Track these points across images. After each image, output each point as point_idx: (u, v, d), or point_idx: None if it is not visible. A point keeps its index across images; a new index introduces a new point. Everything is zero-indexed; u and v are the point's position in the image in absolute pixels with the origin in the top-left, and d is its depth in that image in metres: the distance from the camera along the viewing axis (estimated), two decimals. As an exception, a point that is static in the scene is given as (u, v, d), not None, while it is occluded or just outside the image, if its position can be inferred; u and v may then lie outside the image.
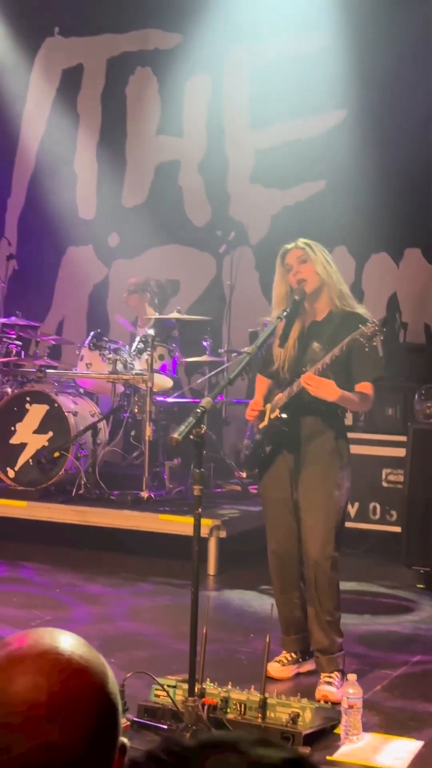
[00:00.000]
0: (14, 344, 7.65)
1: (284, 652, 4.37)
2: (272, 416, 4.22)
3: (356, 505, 6.75)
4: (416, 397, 6.54)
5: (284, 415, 4.17)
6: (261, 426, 4.30)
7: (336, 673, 4.14)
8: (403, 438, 6.20)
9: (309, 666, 4.39)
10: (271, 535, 4.34)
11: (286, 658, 4.36)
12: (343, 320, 4.14)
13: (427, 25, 8.04)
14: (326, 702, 3.92)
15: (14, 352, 7.62)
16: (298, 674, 4.36)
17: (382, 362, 4.25)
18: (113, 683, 1.21)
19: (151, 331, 7.08)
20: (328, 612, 4.15)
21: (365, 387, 4.11)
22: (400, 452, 6.25)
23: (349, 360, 4.09)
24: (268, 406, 4.27)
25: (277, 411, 4.19)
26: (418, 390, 6.57)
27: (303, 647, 4.37)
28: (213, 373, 7.62)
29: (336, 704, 3.82)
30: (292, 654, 4.37)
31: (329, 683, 4.10)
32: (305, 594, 4.26)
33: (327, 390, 4.00)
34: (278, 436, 4.23)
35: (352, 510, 6.72)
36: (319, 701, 3.90)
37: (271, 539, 4.34)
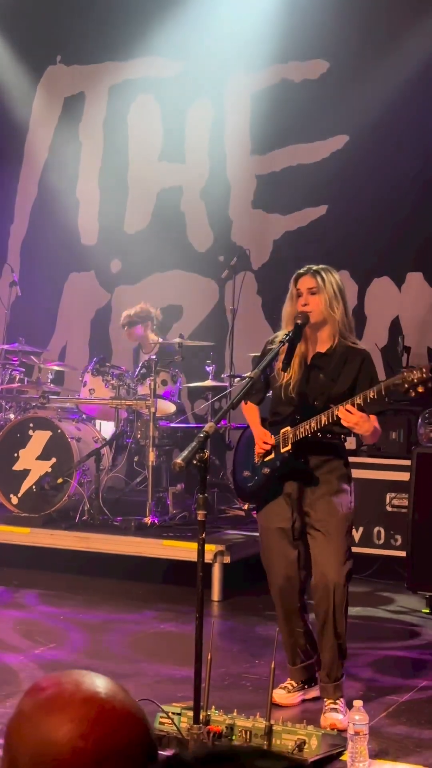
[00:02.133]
0: (18, 370, 7.65)
1: (289, 678, 4.34)
2: (283, 450, 4.18)
3: (361, 529, 6.72)
4: (420, 420, 6.53)
5: (296, 449, 4.14)
6: (267, 459, 4.26)
7: (341, 699, 4.11)
8: (407, 462, 6.18)
9: (315, 693, 4.36)
10: (272, 566, 4.27)
11: (292, 685, 4.33)
12: (347, 356, 4.13)
13: (428, 51, 8.09)
14: (333, 729, 3.89)
15: (17, 378, 7.62)
16: (303, 701, 4.33)
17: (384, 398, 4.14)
18: (151, 727, 1.19)
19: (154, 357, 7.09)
20: (341, 636, 4.11)
21: (375, 418, 4.08)
22: (404, 476, 6.23)
23: (354, 381, 4.09)
24: (278, 439, 4.23)
25: (290, 446, 4.15)
26: (422, 414, 6.56)
27: (309, 675, 4.34)
28: (216, 398, 7.61)
29: (342, 731, 3.79)
30: (298, 682, 4.34)
31: (335, 710, 4.06)
32: (314, 619, 4.22)
33: (365, 426, 3.91)
34: (289, 468, 4.20)
35: (357, 534, 6.70)
36: (326, 728, 3.87)
37: (272, 570, 4.28)
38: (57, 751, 1.11)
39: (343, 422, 3.92)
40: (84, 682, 1.18)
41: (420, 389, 3.69)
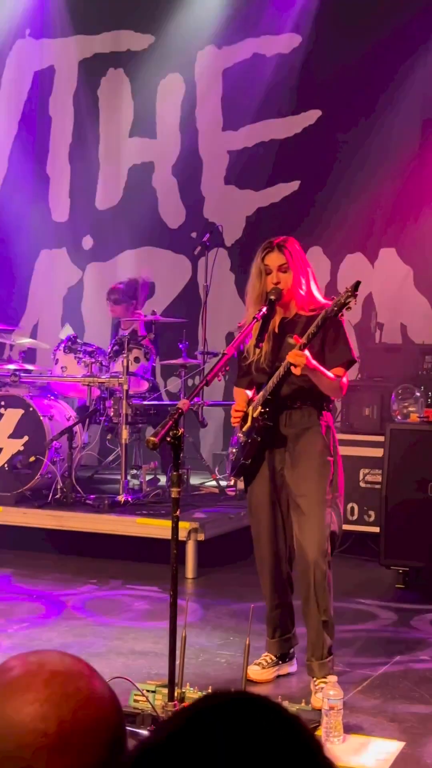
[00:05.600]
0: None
1: (264, 654, 4.34)
2: (255, 414, 4.18)
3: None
4: (393, 396, 6.54)
5: (267, 409, 4.13)
6: (245, 429, 4.25)
7: (329, 677, 4.10)
8: (381, 438, 6.19)
9: (289, 668, 4.36)
10: (259, 539, 4.27)
11: (266, 661, 4.33)
12: (313, 316, 4.11)
13: (400, 24, 8.06)
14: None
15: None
16: (278, 676, 4.34)
17: (348, 348, 4.15)
18: (120, 707, 1.17)
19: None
20: (325, 611, 4.09)
21: (340, 372, 4.08)
22: (378, 452, 6.24)
23: (323, 344, 4.07)
24: (250, 408, 4.23)
25: (260, 408, 4.14)
26: (395, 390, 6.57)
27: (285, 650, 4.35)
28: (189, 375, 7.59)
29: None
30: (273, 656, 4.34)
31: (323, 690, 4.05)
32: (298, 593, 4.22)
33: (302, 359, 3.93)
34: (263, 432, 4.18)
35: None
36: (319, 709, 3.87)
37: (258, 543, 4.28)
38: (19, 733, 1.09)
39: (294, 370, 3.92)
40: (49, 662, 1.15)
41: (350, 303, 3.87)
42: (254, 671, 4.24)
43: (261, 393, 4.17)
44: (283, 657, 4.35)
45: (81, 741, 1.09)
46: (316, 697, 3.97)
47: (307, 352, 3.89)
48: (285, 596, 4.29)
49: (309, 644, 4.14)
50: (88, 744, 1.09)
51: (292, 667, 4.37)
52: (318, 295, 4.22)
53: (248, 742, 0.90)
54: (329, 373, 4.02)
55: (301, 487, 4.11)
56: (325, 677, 4.01)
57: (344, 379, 4.10)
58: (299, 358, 3.87)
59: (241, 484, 4.86)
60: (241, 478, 4.36)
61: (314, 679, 4.09)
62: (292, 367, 3.92)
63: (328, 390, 4.12)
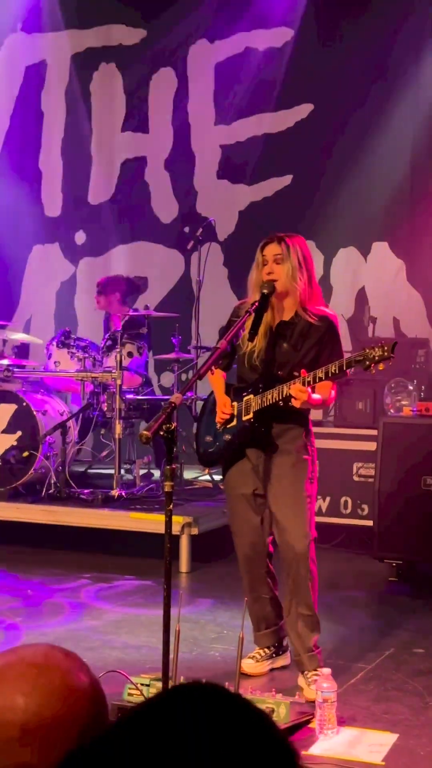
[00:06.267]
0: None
1: (257, 648, 4.36)
2: (245, 418, 4.18)
3: (328, 499, 6.75)
4: (386, 390, 6.56)
5: (257, 418, 4.14)
6: (230, 426, 4.25)
7: (319, 669, 4.11)
8: (374, 432, 6.20)
9: (283, 661, 4.38)
10: (237, 533, 4.30)
11: (260, 654, 4.34)
12: (310, 325, 4.10)
13: (392, 18, 8.06)
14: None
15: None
16: (272, 669, 4.35)
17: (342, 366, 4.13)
18: (101, 700, 1.16)
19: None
20: (307, 606, 4.11)
21: (327, 386, 4.07)
22: (371, 446, 6.25)
23: (319, 348, 4.08)
24: (236, 404, 4.24)
25: (251, 414, 4.15)
26: (388, 384, 6.58)
27: (276, 641, 4.36)
28: (182, 370, 7.59)
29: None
30: (266, 649, 4.35)
31: (317, 681, 4.06)
32: (282, 588, 4.24)
33: (304, 395, 3.93)
34: (249, 437, 4.20)
35: (324, 504, 6.73)
36: (313, 701, 3.89)
37: (237, 537, 4.31)
38: None
39: (294, 402, 3.92)
40: (28, 656, 1.15)
41: (381, 366, 3.75)
42: (248, 664, 4.25)
43: (254, 399, 4.14)
44: (277, 649, 4.36)
45: (50, 734, 1.09)
46: (309, 689, 3.98)
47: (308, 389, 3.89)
48: (264, 589, 4.30)
49: (295, 640, 4.14)
50: (58, 737, 1.09)
51: (286, 660, 4.38)
52: (317, 295, 4.21)
53: (208, 729, 0.90)
54: (323, 396, 4.03)
55: (281, 485, 4.13)
56: (315, 669, 4.04)
57: (332, 393, 4.12)
58: (302, 394, 3.86)
59: (217, 477, 4.89)
60: (213, 468, 4.38)
61: (306, 672, 4.10)
62: (292, 399, 3.92)
63: (320, 408, 4.17)
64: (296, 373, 3.96)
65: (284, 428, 4.16)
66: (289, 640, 4.25)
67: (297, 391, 3.87)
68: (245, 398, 4.19)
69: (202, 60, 8.91)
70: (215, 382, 4.36)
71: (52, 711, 1.10)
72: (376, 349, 3.74)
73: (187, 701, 0.93)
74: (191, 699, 0.93)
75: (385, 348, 3.72)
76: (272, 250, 4.14)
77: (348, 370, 3.83)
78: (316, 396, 3.96)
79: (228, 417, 4.23)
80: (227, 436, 4.26)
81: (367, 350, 3.77)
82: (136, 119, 9.22)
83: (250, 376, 4.20)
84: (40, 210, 9.53)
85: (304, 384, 3.88)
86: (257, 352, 4.17)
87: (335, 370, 3.83)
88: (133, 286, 8.04)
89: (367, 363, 3.75)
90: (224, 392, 4.31)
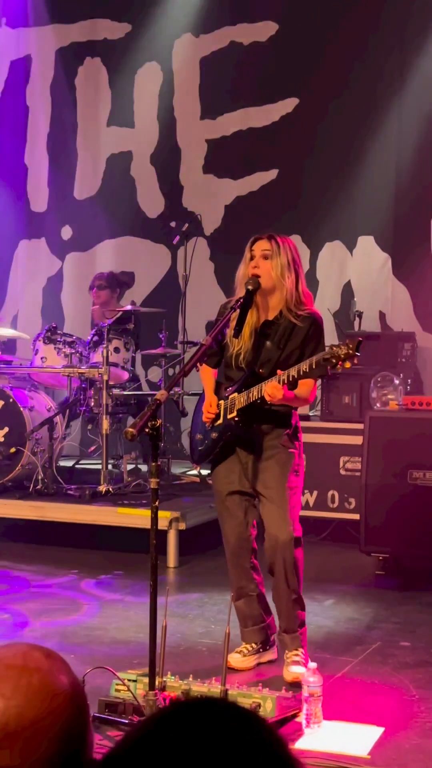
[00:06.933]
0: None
1: (244, 643, 4.38)
2: (229, 416, 4.23)
3: (315, 493, 6.77)
4: (372, 384, 6.57)
5: (241, 416, 4.18)
6: (217, 424, 4.30)
7: (301, 650, 4.16)
8: (360, 426, 6.21)
9: (270, 656, 4.40)
10: (224, 528, 4.36)
11: (247, 649, 4.36)
12: (295, 323, 4.15)
13: (376, 11, 8.06)
14: (298, 683, 3.95)
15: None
16: (259, 664, 4.37)
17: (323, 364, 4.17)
18: (82, 700, 1.16)
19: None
20: (294, 590, 4.18)
21: (308, 384, 4.13)
22: (357, 440, 6.27)
23: (301, 355, 4.12)
24: (222, 403, 4.28)
25: (235, 412, 4.20)
26: (374, 378, 6.60)
27: (262, 638, 4.38)
28: (169, 365, 7.59)
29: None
30: (253, 645, 4.37)
31: (297, 663, 4.12)
32: (268, 578, 4.27)
33: (284, 397, 4.02)
34: (234, 434, 4.25)
35: (311, 498, 6.74)
36: (291, 683, 3.95)
37: (224, 531, 4.37)
38: None
39: (268, 399, 3.99)
40: (8, 657, 1.16)
41: (347, 365, 3.79)
42: (235, 659, 4.27)
43: (235, 396, 4.21)
44: (264, 645, 4.39)
45: (31, 735, 1.09)
46: (288, 670, 4.09)
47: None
48: (250, 586, 4.33)
49: (281, 619, 4.25)
50: (40, 738, 1.09)
51: (272, 655, 4.41)
52: (303, 295, 4.23)
53: (213, 747, 0.91)
54: (300, 394, 4.10)
55: (266, 477, 4.20)
56: (297, 649, 4.14)
57: (312, 388, 4.19)
58: (275, 391, 3.95)
59: (204, 471, 4.92)
60: (204, 465, 4.44)
61: (286, 651, 4.19)
62: (267, 396, 3.99)
63: (299, 405, 4.22)
64: (280, 372, 4.00)
65: (270, 426, 4.22)
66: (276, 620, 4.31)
67: (270, 389, 3.96)
68: (231, 396, 4.23)
69: (187, 54, 8.89)
70: (205, 379, 4.42)
71: (33, 713, 1.10)
72: (342, 348, 3.80)
73: (190, 718, 0.94)
74: (195, 716, 0.94)
75: (350, 346, 3.78)
76: (261, 246, 4.18)
77: (328, 368, 3.86)
78: (291, 393, 4.01)
79: (213, 416, 4.28)
80: (214, 434, 4.32)
81: (334, 349, 3.82)
82: (122, 114, 9.20)
83: (236, 374, 4.26)
84: (26, 205, 9.51)
85: (280, 382, 3.94)
86: (243, 353, 4.23)
87: (306, 369, 3.89)
88: (124, 285, 8.05)
89: (334, 361, 3.80)
90: (213, 391, 4.36)
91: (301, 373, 3.93)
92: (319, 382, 6.03)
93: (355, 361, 3.80)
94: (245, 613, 4.37)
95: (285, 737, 0.96)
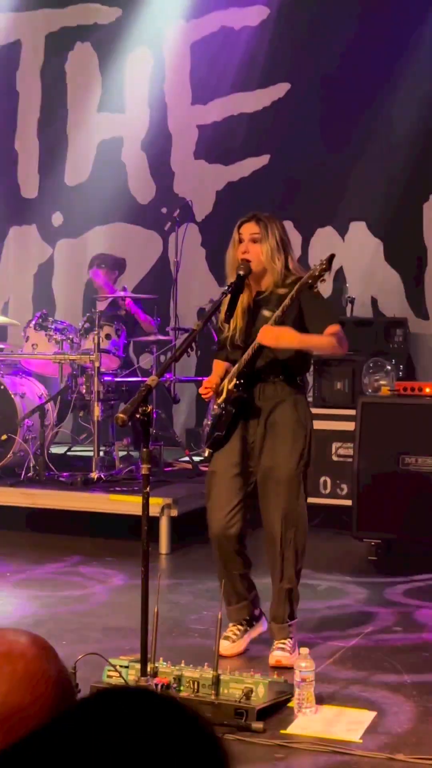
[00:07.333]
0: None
1: (231, 625, 4.32)
2: (229, 386, 4.20)
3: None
4: (364, 370, 6.56)
5: (241, 381, 4.15)
6: (219, 400, 4.26)
7: (288, 640, 4.16)
8: (352, 411, 6.21)
9: (259, 628, 4.37)
10: (213, 507, 4.26)
11: (235, 634, 4.31)
12: (285, 290, 4.13)
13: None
14: (280, 667, 3.96)
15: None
16: (250, 647, 4.34)
17: (334, 307, 4.23)
18: (68, 687, 1.15)
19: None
20: (289, 580, 4.16)
21: (334, 329, 4.13)
22: (350, 426, 6.27)
23: (301, 315, 4.10)
24: (225, 381, 4.25)
25: (234, 380, 4.17)
26: (366, 363, 6.59)
27: (247, 614, 4.34)
28: (161, 351, 7.57)
29: (289, 668, 3.83)
30: (239, 626, 4.33)
31: (282, 649, 4.12)
32: (266, 561, 4.26)
33: (287, 337, 4.02)
34: (237, 404, 4.19)
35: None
36: (273, 667, 3.97)
37: (211, 511, 4.27)
38: None
39: (263, 342, 4.01)
40: None
41: (323, 279, 4.00)
42: (224, 647, 4.22)
43: (235, 366, 4.19)
44: (250, 621, 4.35)
45: (15, 723, 1.08)
46: (270, 656, 4.11)
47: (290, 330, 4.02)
48: (236, 567, 4.26)
49: (271, 608, 4.23)
50: (25, 726, 1.08)
51: (262, 627, 4.38)
52: (294, 270, 4.23)
53: (135, 734, 0.89)
54: (317, 337, 4.13)
55: (274, 459, 4.14)
56: (283, 640, 4.14)
57: (341, 333, 4.17)
58: (269, 332, 3.94)
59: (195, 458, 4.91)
60: (218, 449, 4.36)
61: (274, 641, 4.19)
62: (262, 340, 3.98)
63: (328, 350, 4.41)
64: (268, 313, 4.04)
65: (277, 402, 4.17)
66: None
67: (263, 330, 4.00)
68: (231, 371, 4.22)
69: (179, 39, 8.84)
70: (216, 368, 4.38)
71: (18, 700, 1.09)
72: (317, 267, 3.97)
73: (112, 705, 0.92)
74: (116, 703, 0.93)
75: (323, 261, 3.97)
76: (249, 228, 4.16)
77: (315, 286, 4.02)
78: (297, 333, 4.03)
79: (210, 390, 4.24)
80: (215, 409, 4.28)
81: (313, 267, 4.01)
82: (113, 99, 9.15)
83: (236, 355, 4.24)
84: (16, 191, 9.46)
85: (275, 323, 4.00)
86: (238, 332, 4.20)
87: (288, 303, 3.99)
88: (122, 268, 8.01)
89: (310, 282, 3.97)
90: (219, 376, 4.31)
91: (289, 301, 3.97)
92: (311, 369, 6.05)
93: (328, 274, 4.02)
94: (228, 590, 4.25)
95: (219, 733, 0.94)
